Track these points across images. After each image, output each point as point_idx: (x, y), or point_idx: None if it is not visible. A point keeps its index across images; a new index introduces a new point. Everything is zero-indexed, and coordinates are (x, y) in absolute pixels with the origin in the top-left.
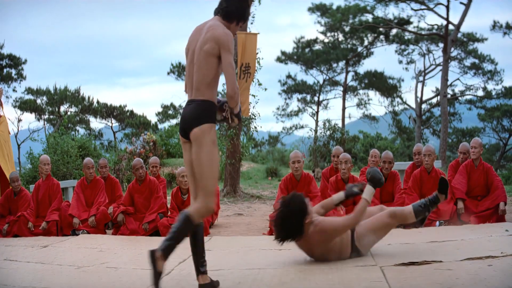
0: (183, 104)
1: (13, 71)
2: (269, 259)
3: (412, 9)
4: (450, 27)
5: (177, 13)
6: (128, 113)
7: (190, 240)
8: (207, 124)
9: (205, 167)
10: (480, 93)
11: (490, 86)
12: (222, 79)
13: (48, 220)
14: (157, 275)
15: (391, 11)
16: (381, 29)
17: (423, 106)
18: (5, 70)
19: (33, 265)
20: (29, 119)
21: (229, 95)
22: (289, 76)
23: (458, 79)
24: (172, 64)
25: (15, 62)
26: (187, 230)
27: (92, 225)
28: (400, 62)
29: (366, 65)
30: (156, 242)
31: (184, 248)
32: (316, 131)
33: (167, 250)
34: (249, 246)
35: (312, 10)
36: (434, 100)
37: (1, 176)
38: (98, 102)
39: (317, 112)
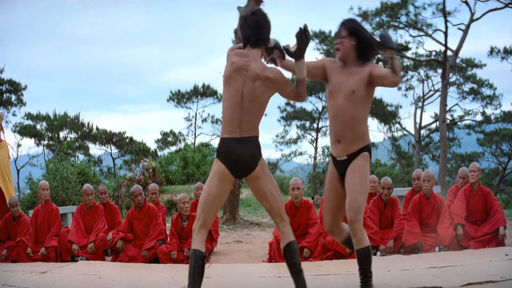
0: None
1: (13, 96)
2: (269, 287)
3: (410, 35)
4: (449, 53)
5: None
6: (127, 140)
7: (196, 270)
8: (261, 159)
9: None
10: (479, 117)
11: (489, 110)
12: None
13: (47, 246)
14: None
15: None
16: (379, 55)
17: (422, 131)
18: (5, 95)
19: None
20: (28, 144)
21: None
22: (288, 103)
23: (457, 104)
24: (171, 92)
25: (15, 87)
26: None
27: (91, 251)
28: (399, 88)
29: None
30: (155, 269)
31: (186, 275)
32: (315, 157)
33: None
34: (249, 274)
35: (311, 38)
36: (433, 126)
37: (1, 200)
38: (97, 128)
39: (316, 139)
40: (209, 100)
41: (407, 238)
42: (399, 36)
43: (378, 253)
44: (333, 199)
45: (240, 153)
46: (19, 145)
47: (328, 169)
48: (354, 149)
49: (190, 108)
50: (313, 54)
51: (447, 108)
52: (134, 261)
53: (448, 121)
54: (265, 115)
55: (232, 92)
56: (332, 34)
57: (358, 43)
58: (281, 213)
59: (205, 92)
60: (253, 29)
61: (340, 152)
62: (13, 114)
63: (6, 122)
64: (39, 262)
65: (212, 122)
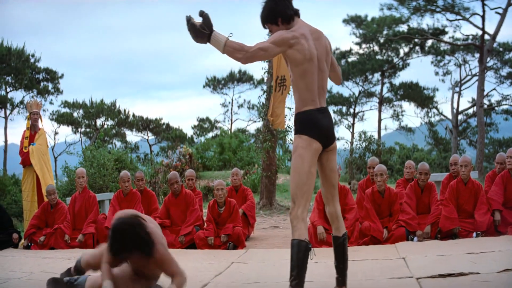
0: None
1: (50, 85)
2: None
3: (447, 19)
4: (486, 37)
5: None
6: (164, 126)
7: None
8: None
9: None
10: None
11: None
12: None
13: (85, 233)
14: None
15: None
16: (416, 40)
17: (460, 116)
18: (42, 84)
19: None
20: (65, 132)
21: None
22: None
23: (494, 89)
24: (207, 78)
25: (52, 76)
26: None
27: None
28: (436, 73)
29: (402, 77)
30: (192, 255)
31: (223, 260)
32: (352, 143)
33: None
34: (285, 259)
35: (347, 21)
36: (471, 111)
37: (39, 188)
38: (134, 115)
39: (353, 124)
40: (245, 86)
41: (444, 224)
42: (436, 20)
43: (415, 238)
44: None
45: (327, 123)
46: (56, 133)
47: None
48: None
49: (226, 94)
50: (349, 38)
51: (485, 93)
52: (171, 247)
53: (485, 106)
54: None
55: (308, 59)
56: (369, 19)
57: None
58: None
59: (241, 78)
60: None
61: None
62: (50, 103)
63: (44, 110)
64: (77, 248)
65: (249, 108)
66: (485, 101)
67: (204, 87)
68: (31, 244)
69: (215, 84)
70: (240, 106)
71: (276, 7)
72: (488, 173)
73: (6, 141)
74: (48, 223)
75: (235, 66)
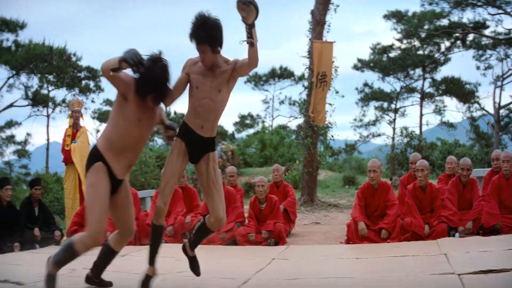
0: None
1: (92, 83)
2: (346, 268)
3: (489, 13)
4: None
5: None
6: None
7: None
8: None
9: None
10: None
11: None
12: None
13: None
14: None
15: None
16: (457, 34)
17: (501, 111)
18: (83, 82)
19: (111, 274)
20: None
21: None
22: (366, 84)
23: None
24: (248, 74)
25: (93, 74)
26: None
27: (170, 234)
28: (478, 68)
29: (443, 72)
30: (233, 251)
31: (263, 257)
32: (393, 138)
33: None
34: (326, 255)
35: (387, 17)
36: None
37: (81, 186)
38: (175, 112)
39: (394, 120)
40: (287, 82)
41: (486, 220)
42: (477, 14)
43: (457, 234)
44: None
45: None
46: (98, 131)
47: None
48: None
49: (267, 90)
50: (390, 34)
51: None
52: (212, 243)
53: None
54: (343, 96)
55: None
56: (409, 14)
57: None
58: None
59: (282, 74)
60: None
61: None
62: (92, 101)
63: (85, 108)
64: None
65: (290, 104)
66: None
67: (245, 83)
68: None
69: (257, 80)
70: (281, 102)
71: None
72: None
73: (48, 139)
74: None
75: (277, 62)
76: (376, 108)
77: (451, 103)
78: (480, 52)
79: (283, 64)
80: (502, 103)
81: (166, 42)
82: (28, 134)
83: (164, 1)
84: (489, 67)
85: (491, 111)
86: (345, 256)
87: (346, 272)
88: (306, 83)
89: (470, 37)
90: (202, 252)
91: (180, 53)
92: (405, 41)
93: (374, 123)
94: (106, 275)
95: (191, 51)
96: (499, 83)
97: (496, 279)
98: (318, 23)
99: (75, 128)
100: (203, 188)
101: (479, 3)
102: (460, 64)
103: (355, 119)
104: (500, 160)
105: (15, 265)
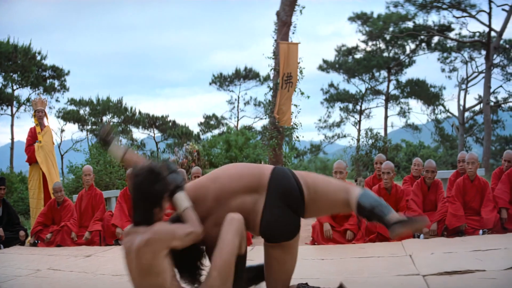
0: (226, 114)
1: (56, 82)
2: (312, 269)
3: (454, 16)
4: (493, 34)
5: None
6: (170, 124)
7: None
8: None
9: None
10: None
11: None
12: None
13: (91, 230)
14: None
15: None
16: (422, 36)
17: (466, 114)
18: (48, 81)
19: (76, 275)
20: (72, 130)
21: None
22: (331, 85)
23: (501, 86)
24: (213, 75)
25: (58, 73)
26: None
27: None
28: (443, 70)
29: (409, 74)
30: None
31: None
32: (358, 140)
33: None
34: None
35: (353, 19)
36: (477, 108)
37: (45, 186)
38: (140, 112)
39: (359, 121)
40: (252, 83)
41: (451, 221)
42: (442, 17)
43: (422, 235)
44: None
45: None
46: (62, 131)
47: None
48: None
49: (232, 91)
50: (355, 36)
51: (491, 90)
52: None
53: (492, 103)
54: (308, 97)
55: None
56: (375, 16)
57: None
58: None
59: (247, 75)
60: None
61: None
62: (56, 100)
63: (50, 108)
64: (84, 246)
65: (255, 105)
66: (492, 98)
67: (210, 84)
68: (38, 242)
69: (222, 81)
70: (247, 103)
71: None
72: (495, 170)
73: (12, 138)
74: (54, 220)
75: (241, 63)
76: (341, 109)
77: (416, 105)
78: (445, 54)
79: (248, 65)
80: (467, 106)
81: (136, 44)
82: None
83: (135, 1)
84: (454, 69)
85: (456, 113)
86: (310, 257)
87: (311, 273)
88: (271, 84)
89: (435, 39)
90: None
91: (153, 54)
92: (370, 43)
93: (339, 124)
94: (71, 276)
95: (164, 53)
96: (463, 86)
97: (460, 280)
98: (284, 24)
99: (40, 127)
100: None
101: (444, 6)
102: (425, 66)
103: (320, 120)
104: (465, 162)
105: None
